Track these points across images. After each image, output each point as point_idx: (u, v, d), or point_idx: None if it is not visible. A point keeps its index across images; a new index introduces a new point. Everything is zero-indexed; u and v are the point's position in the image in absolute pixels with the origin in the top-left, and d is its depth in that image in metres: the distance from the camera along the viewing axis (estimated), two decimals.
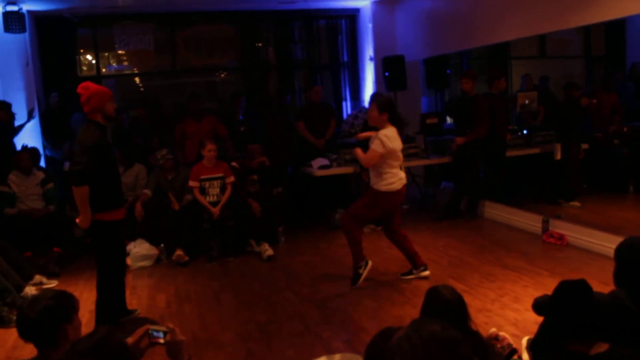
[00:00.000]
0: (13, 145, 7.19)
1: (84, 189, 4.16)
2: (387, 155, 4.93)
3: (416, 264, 5.27)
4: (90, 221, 4.27)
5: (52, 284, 5.72)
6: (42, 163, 7.53)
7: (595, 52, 9.49)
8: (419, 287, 5.05)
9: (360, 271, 5.12)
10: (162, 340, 2.26)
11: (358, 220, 5.16)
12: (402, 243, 5.30)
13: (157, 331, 2.27)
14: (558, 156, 7.14)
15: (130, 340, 2.20)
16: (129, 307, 4.86)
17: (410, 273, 5.29)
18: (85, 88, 4.31)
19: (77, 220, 4.31)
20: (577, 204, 7.13)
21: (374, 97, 5.18)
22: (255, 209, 6.67)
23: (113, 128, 7.58)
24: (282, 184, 7.31)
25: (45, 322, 2.31)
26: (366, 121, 6.54)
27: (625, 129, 7.78)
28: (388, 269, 5.58)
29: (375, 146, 4.93)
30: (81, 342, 1.88)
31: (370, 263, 5.16)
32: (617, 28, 8.29)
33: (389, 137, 4.92)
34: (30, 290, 5.27)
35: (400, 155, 5.10)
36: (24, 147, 7.11)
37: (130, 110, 8.69)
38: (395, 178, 5.03)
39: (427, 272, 5.26)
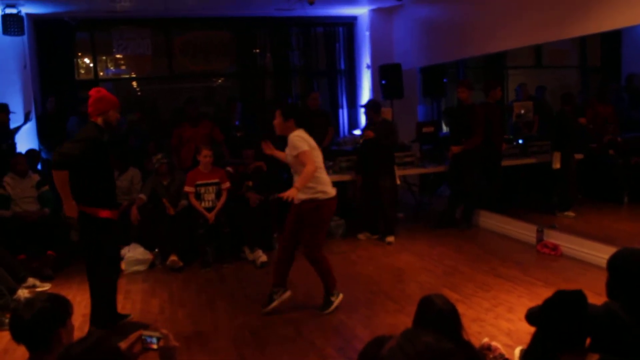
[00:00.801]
0: (13, 147, 7.18)
1: (63, 173, 4.14)
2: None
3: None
4: (77, 210, 4.24)
5: (46, 287, 5.70)
6: (39, 166, 7.52)
7: (591, 63, 9.56)
8: (413, 295, 5.04)
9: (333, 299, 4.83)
10: (155, 346, 2.26)
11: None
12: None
13: (151, 337, 2.27)
14: (557, 165, 7.16)
15: (123, 345, 2.20)
16: (123, 311, 4.85)
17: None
18: (97, 91, 4.43)
19: (66, 212, 4.30)
20: (571, 214, 7.16)
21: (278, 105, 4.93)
22: (253, 202, 6.67)
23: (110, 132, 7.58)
24: (278, 190, 7.30)
25: (39, 325, 2.30)
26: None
27: (619, 140, 7.81)
28: (382, 277, 5.58)
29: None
30: (75, 346, 1.88)
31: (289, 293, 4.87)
32: (613, 39, 8.36)
33: (302, 136, 4.66)
34: (23, 293, 5.25)
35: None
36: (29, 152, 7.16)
37: (128, 114, 8.68)
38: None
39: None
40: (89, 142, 4.21)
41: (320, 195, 4.64)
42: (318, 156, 4.71)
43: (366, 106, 7.18)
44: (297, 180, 4.58)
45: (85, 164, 4.19)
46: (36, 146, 7.91)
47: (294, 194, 4.48)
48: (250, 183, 7.02)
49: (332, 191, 4.71)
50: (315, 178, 4.60)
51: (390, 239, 6.89)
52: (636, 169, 7.58)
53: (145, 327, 4.39)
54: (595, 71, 9.75)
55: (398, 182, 7.04)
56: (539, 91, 9.12)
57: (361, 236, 7.13)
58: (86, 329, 4.56)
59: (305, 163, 4.52)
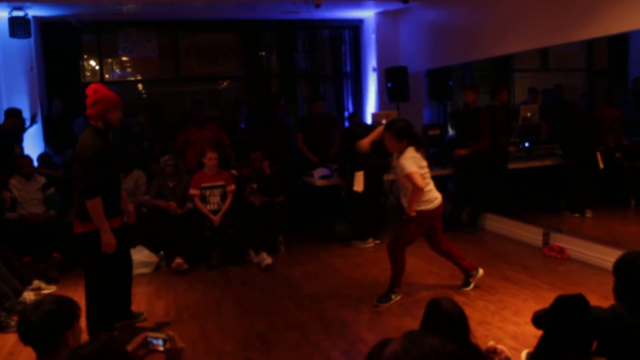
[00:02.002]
0: (21, 150, 7.21)
1: (96, 201, 4.06)
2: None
3: (464, 270, 5.31)
4: (115, 243, 4.17)
5: (51, 289, 5.71)
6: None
7: (598, 66, 9.53)
8: (419, 298, 5.04)
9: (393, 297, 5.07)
10: (161, 348, 2.26)
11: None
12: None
13: (157, 338, 2.27)
14: (601, 165, 7.17)
15: (129, 347, 2.20)
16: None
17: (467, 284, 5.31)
18: (95, 91, 4.20)
19: (103, 241, 4.13)
20: (589, 214, 7.19)
21: (389, 125, 4.98)
22: (257, 203, 6.69)
23: (119, 132, 7.60)
24: (283, 193, 7.30)
25: (46, 326, 2.30)
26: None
27: (625, 143, 7.78)
28: (388, 280, 5.55)
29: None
30: (83, 348, 1.89)
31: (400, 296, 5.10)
32: (620, 42, 8.34)
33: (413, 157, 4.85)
34: (28, 295, 5.26)
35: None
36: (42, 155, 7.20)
37: (138, 115, 8.71)
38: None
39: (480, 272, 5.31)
40: (95, 159, 4.08)
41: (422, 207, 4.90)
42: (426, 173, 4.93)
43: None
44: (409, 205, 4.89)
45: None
46: (42, 148, 7.94)
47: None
48: (255, 186, 7.03)
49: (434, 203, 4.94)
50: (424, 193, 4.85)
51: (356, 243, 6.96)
52: None
53: (152, 329, 4.39)
54: (602, 74, 9.72)
55: (360, 188, 6.79)
56: (546, 94, 9.08)
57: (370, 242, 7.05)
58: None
59: (414, 184, 4.72)
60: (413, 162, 4.75)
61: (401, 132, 4.82)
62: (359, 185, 6.70)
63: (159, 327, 4.42)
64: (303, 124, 8.18)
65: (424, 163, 4.91)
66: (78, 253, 4.38)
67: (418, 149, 4.88)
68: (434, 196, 4.93)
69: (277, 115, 8.23)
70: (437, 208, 4.97)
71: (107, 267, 4.28)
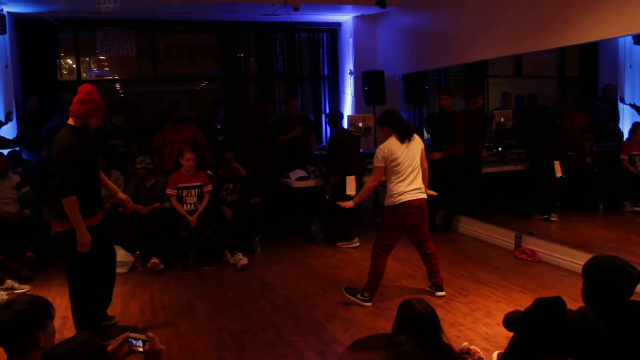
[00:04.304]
0: None
1: (71, 199, 4.04)
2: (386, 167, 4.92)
3: (433, 282, 5.26)
4: (89, 237, 4.14)
5: (24, 289, 5.67)
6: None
7: (569, 73, 9.70)
8: (393, 300, 5.11)
9: (359, 297, 5.09)
10: (141, 349, 2.28)
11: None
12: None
13: (137, 339, 2.29)
14: (559, 173, 7.31)
15: (110, 346, 2.22)
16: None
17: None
18: (87, 92, 4.17)
19: (78, 240, 4.11)
20: (554, 217, 7.30)
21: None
22: (229, 216, 6.71)
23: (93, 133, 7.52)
24: (259, 193, 7.33)
25: (17, 327, 2.28)
26: None
27: (595, 148, 7.97)
28: (362, 281, 5.60)
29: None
30: (61, 346, 1.90)
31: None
32: (590, 51, 8.52)
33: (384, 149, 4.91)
34: (0, 295, 5.22)
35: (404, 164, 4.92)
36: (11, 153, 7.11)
37: (112, 116, 8.64)
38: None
39: (441, 293, 5.21)
40: (68, 154, 4.06)
41: (391, 202, 4.94)
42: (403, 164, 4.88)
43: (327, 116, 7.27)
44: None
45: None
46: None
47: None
48: (231, 186, 7.05)
49: (405, 197, 4.89)
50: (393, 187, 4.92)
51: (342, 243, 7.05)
52: (611, 177, 7.73)
53: (133, 329, 4.39)
54: (573, 81, 9.90)
55: (353, 192, 6.76)
56: (529, 99, 9.21)
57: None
58: (65, 331, 4.56)
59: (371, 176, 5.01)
60: (381, 154, 4.87)
61: (380, 119, 5.04)
62: (351, 189, 6.81)
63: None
64: (280, 125, 8.23)
65: (401, 154, 4.86)
66: (58, 251, 4.34)
67: (401, 140, 4.91)
68: (404, 190, 4.87)
69: (264, 118, 8.18)
70: (411, 203, 4.88)
71: (89, 265, 4.26)
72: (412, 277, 5.81)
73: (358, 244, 7.04)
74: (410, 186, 4.89)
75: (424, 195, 5.02)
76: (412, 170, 4.91)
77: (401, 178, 4.88)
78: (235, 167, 7.10)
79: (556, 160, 7.36)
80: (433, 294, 5.19)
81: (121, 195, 4.74)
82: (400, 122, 5.01)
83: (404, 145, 4.89)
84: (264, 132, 7.98)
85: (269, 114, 8.41)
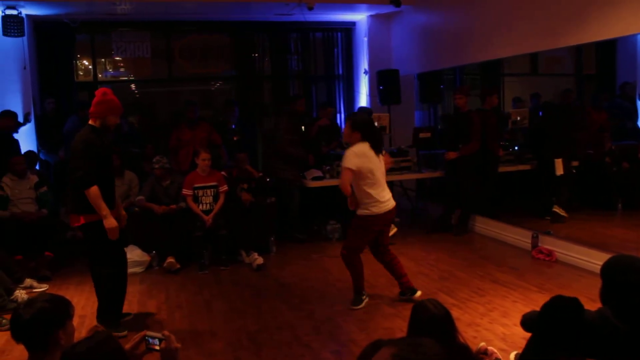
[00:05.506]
0: (18, 149, 7.19)
1: (93, 189, 4.27)
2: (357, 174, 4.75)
3: (403, 288, 5.14)
4: (115, 224, 4.37)
5: (43, 288, 5.72)
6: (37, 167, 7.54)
7: (586, 71, 9.60)
8: (410, 299, 5.09)
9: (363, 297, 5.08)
10: (157, 347, 2.29)
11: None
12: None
13: (154, 337, 2.31)
14: (560, 171, 7.20)
15: (127, 345, 2.23)
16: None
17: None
18: (103, 94, 4.47)
19: (107, 228, 4.32)
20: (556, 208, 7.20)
21: (352, 114, 5.10)
22: (245, 200, 6.74)
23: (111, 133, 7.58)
24: (275, 194, 7.33)
25: (38, 325, 2.32)
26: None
27: (612, 147, 7.87)
28: (378, 280, 5.61)
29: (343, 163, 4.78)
30: (79, 345, 1.92)
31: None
32: (608, 48, 8.41)
33: (357, 153, 4.76)
34: (20, 294, 5.26)
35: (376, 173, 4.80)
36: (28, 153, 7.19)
37: (129, 116, 8.71)
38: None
39: (417, 294, 5.07)
40: (87, 149, 4.30)
41: (366, 212, 4.84)
42: (372, 171, 4.75)
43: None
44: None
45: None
46: (35, 147, 7.93)
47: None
48: (245, 186, 7.06)
49: (379, 209, 4.81)
50: (366, 195, 4.79)
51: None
52: (630, 176, 7.64)
53: (148, 327, 4.43)
54: (591, 79, 9.81)
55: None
56: (535, 99, 9.15)
57: None
58: (83, 330, 4.60)
59: (341, 180, 4.80)
60: (355, 158, 4.71)
61: (356, 124, 4.84)
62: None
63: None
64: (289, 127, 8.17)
65: (375, 164, 4.77)
66: (75, 251, 4.51)
67: (374, 149, 4.80)
68: (379, 200, 4.80)
69: (300, 116, 7.98)
70: (385, 214, 4.86)
71: (114, 256, 4.52)
72: (427, 276, 5.78)
73: None
74: (386, 195, 4.90)
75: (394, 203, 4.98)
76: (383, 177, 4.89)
77: (379, 186, 4.83)
78: (248, 170, 7.12)
79: (558, 158, 7.24)
80: (411, 300, 4.89)
81: (122, 212, 4.83)
82: (375, 133, 4.96)
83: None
84: (300, 132, 7.84)
85: (303, 112, 8.12)
